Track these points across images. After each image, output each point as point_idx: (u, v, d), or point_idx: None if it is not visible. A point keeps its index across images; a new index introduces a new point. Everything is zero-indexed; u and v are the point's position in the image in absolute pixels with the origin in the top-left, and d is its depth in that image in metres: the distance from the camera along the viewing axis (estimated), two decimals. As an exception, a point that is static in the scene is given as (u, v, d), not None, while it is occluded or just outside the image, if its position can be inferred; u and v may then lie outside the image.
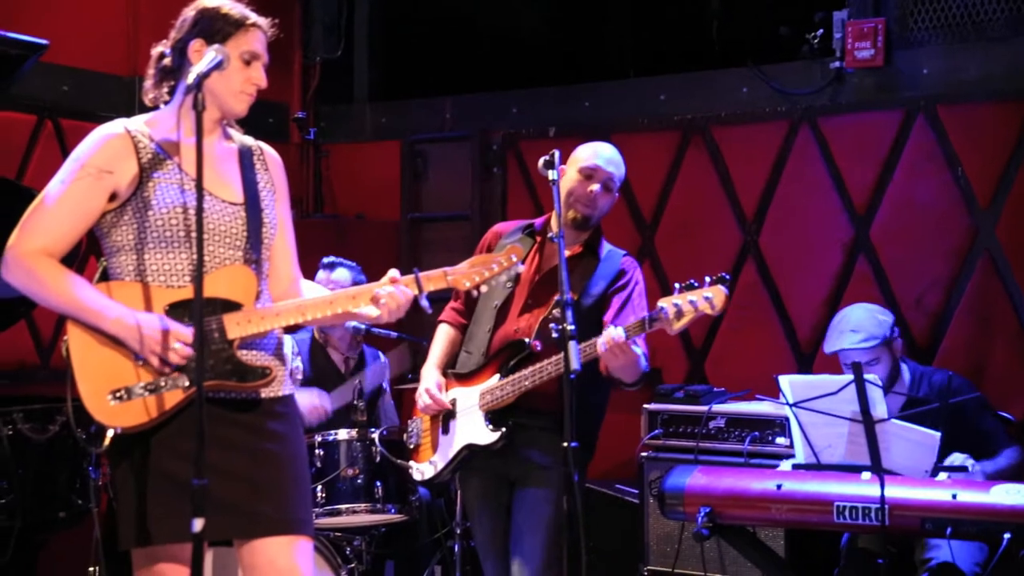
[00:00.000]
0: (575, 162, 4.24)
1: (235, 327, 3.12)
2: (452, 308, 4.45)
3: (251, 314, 3.15)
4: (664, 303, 3.79)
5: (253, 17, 3.25)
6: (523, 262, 3.42)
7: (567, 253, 4.17)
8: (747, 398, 5.31)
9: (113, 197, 3.14)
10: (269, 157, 3.38)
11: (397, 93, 7.38)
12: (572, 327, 3.53)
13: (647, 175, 6.25)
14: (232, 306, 3.14)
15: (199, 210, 2.94)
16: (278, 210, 3.34)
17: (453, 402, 4.22)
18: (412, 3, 7.43)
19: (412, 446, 4.39)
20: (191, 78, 3.00)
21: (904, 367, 4.68)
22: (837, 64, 5.79)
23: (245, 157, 3.31)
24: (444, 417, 4.25)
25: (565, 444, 3.46)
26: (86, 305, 3.07)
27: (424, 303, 3.25)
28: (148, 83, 3.30)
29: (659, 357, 5.77)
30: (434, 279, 3.28)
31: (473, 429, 4.15)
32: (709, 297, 3.76)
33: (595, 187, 4.19)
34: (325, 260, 5.54)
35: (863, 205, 5.76)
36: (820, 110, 5.88)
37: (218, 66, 3.07)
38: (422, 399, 4.25)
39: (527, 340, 4.11)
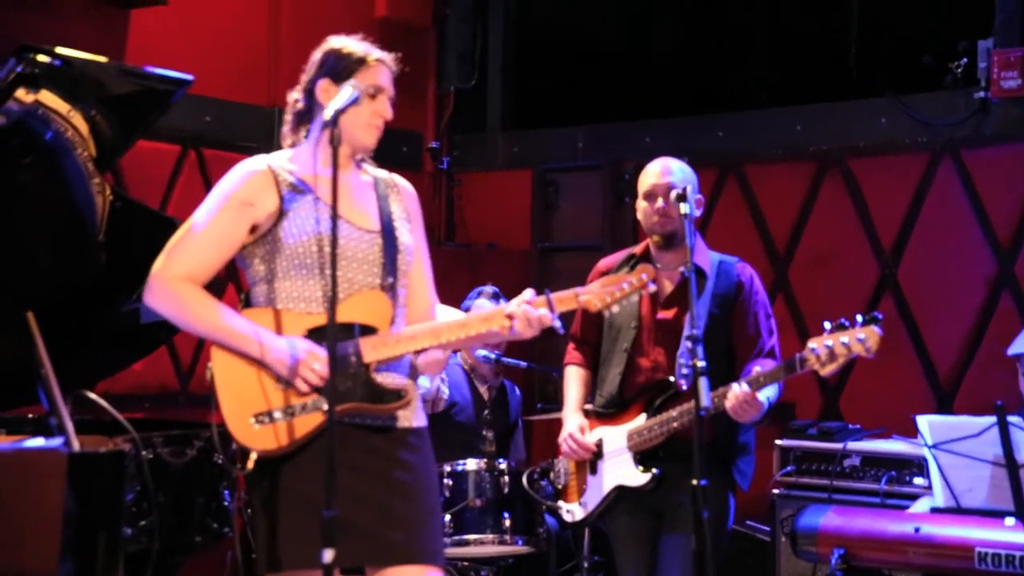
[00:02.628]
0: (640, 188, 4.19)
1: (371, 351, 3.17)
2: (575, 350, 4.41)
3: (386, 338, 3.19)
4: (815, 344, 3.69)
5: (376, 53, 3.31)
6: (654, 281, 3.36)
7: (670, 281, 4.13)
8: (883, 436, 5.18)
9: (254, 229, 3.23)
10: (403, 189, 3.44)
11: (529, 122, 7.42)
12: (703, 363, 3.48)
13: (781, 207, 6.17)
14: (368, 331, 3.18)
15: (333, 241, 2.99)
16: (414, 239, 3.38)
17: (599, 443, 4.19)
18: (545, 33, 7.47)
19: (560, 486, 4.37)
20: (328, 114, 3.07)
21: None
22: (982, 94, 5.64)
23: (380, 189, 3.38)
24: (592, 457, 4.22)
25: (694, 482, 3.41)
26: (233, 330, 3.15)
27: (556, 324, 3.25)
28: (286, 128, 3.39)
29: (792, 392, 5.67)
30: (566, 300, 3.27)
31: (623, 470, 4.12)
32: (862, 339, 3.65)
33: (659, 203, 4.08)
34: (488, 289, 5.56)
35: (1008, 239, 5.60)
36: (963, 141, 5.74)
37: (355, 102, 3.13)
38: (566, 444, 4.22)
39: (672, 379, 4.05)
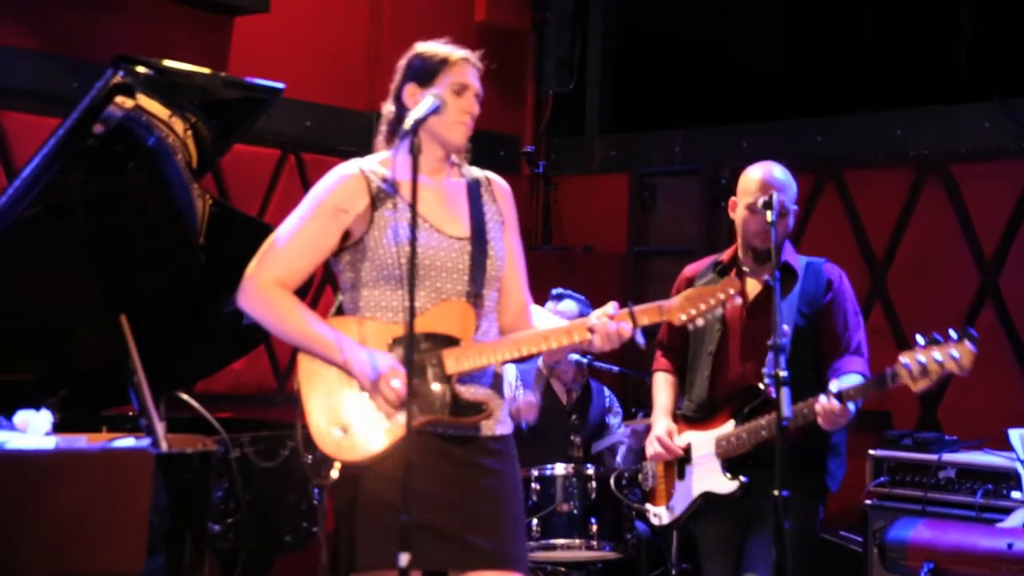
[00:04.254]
0: (742, 196, 4.12)
1: (453, 362, 3.19)
2: (662, 356, 4.42)
3: (469, 349, 3.21)
4: (907, 359, 3.64)
5: (459, 52, 3.33)
6: (739, 294, 3.34)
7: (758, 283, 4.09)
8: (980, 448, 5.08)
9: (347, 236, 3.28)
10: (497, 188, 3.45)
11: (627, 126, 7.41)
12: (785, 373, 3.46)
13: (880, 212, 6.08)
14: (451, 341, 3.20)
15: (412, 251, 3.00)
16: (507, 240, 3.40)
17: (687, 447, 4.19)
18: (645, 37, 7.45)
19: (648, 488, 4.38)
20: (408, 123, 3.09)
21: None
22: (1088, 98, 5.49)
23: (473, 190, 3.39)
24: (679, 462, 4.22)
25: (776, 492, 3.39)
26: (320, 337, 3.19)
27: (639, 338, 3.24)
28: (380, 139, 3.42)
29: (890, 400, 5.59)
30: (648, 313, 3.27)
31: (710, 477, 4.11)
32: (956, 356, 3.58)
33: (770, 216, 4.00)
34: (553, 292, 5.60)
35: (1112, 247, 5.45)
36: (1068, 147, 5.59)
37: (435, 111, 3.16)
38: (652, 446, 4.23)
39: (761, 386, 4.03)
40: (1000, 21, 6.08)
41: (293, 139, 6.13)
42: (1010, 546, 3.87)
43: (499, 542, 3.22)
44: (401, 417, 3.12)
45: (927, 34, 6.39)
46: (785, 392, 3.42)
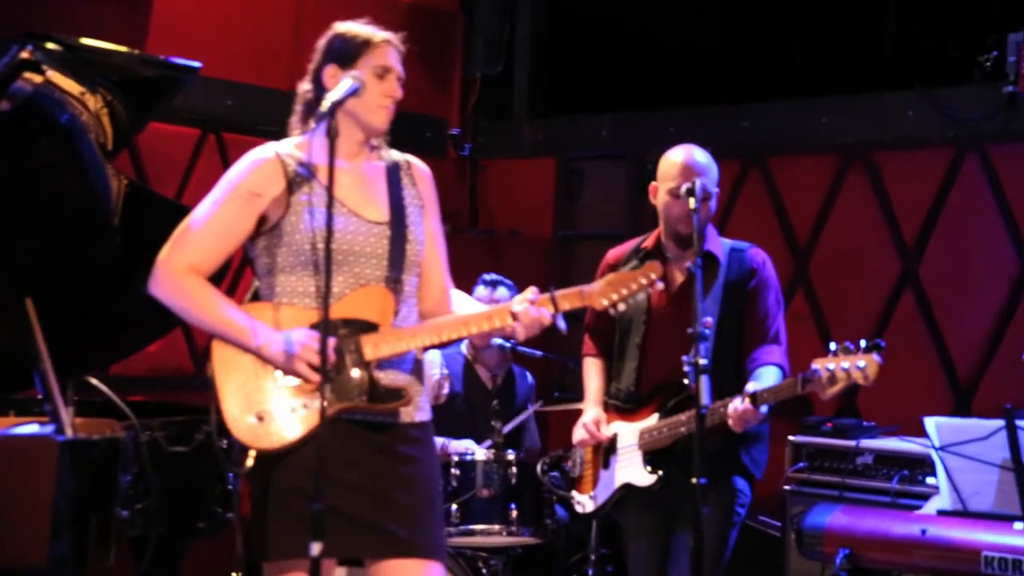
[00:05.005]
0: (663, 181, 4.08)
1: (372, 348, 3.14)
2: (591, 340, 4.40)
3: (387, 335, 3.17)
4: (819, 365, 3.66)
5: (381, 34, 3.27)
6: (663, 279, 3.32)
7: (681, 273, 4.09)
8: (897, 434, 5.13)
9: (263, 220, 3.21)
10: (417, 171, 3.40)
11: (556, 110, 7.38)
12: (704, 361, 3.45)
13: (804, 199, 6.12)
14: (369, 327, 3.16)
15: (328, 236, 2.97)
16: (427, 224, 3.35)
17: (614, 437, 4.19)
18: (574, 20, 7.42)
19: (575, 475, 4.37)
20: (325, 105, 3.04)
21: None
22: (1010, 88, 5.50)
23: (393, 174, 3.33)
24: (606, 451, 4.22)
25: (694, 480, 3.39)
26: (233, 323, 3.13)
27: (560, 323, 3.22)
28: (294, 119, 3.36)
29: (810, 387, 5.63)
30: (570, 298, 3.24)
31: (632, 469, 4.11)
32: (862, 367, 3.60)
33: (692, 203, 3.92)
34: (487, 277, 5.55)
35: (1032, 237, 5.52)
36: (990, 137, 5.63)
37: (355, 93, 3.11)
38: (579, 433, 4.22)
39: (685, 382, 4.03)
40: (925, 11, 6.13)
41: (213, 118, 6.03)
42: (924, 532, 3.89)
43: (416, 530, 3.19)
44: (317, 403, 3.05)
45: (853, 23, 6.43)
46: (704, 380, 3.42)
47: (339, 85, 3.12)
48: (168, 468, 3.76)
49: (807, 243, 6.13)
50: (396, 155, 3.39)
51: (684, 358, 3.53)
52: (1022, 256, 5.53)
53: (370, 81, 3.19)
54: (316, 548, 2.84)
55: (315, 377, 3.06)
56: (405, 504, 3.19)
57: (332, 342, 3.05)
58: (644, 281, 3.27)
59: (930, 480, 4.75)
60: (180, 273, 3.17)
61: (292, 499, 3.09)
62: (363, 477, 3.15)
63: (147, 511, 3.58)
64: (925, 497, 4.65)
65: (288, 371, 3.10)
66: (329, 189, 2.97)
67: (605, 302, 3.26)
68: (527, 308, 3.18)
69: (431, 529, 3.25)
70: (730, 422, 3.83)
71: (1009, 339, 5.49)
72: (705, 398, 3.42)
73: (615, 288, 3.26)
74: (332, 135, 2.99)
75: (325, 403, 2.95)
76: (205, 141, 6.05)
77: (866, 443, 4.98)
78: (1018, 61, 5.47)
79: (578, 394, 5.70)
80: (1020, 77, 5.46)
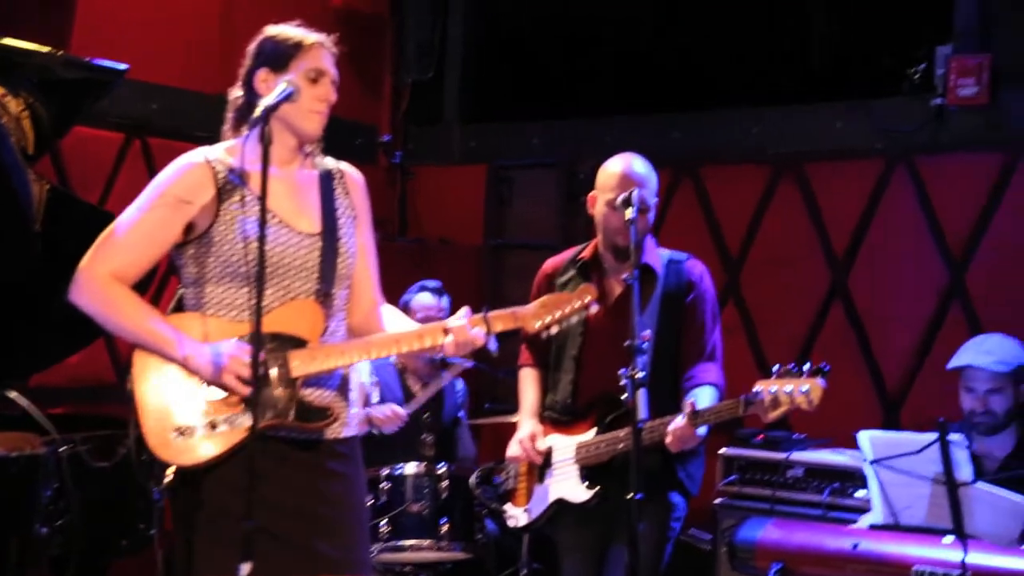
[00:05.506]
0: (602, 191, 4.05)
1: (299, 365, 3.07)
2: (527, 349, 4.35)
3: (316, 351, 3.09)
4: (761, 387, 3.64)
5: (314, 36, 3.19)
6: (597, 302, 3.29)
7: (619, 284, 4.06)
8: (828, 446, 5.15)
9: (191, 228, 3.12)
10: (350, 180, 3.32)
11: (487, 117, 7.32)
12: (642, 374, 3.42)
13: (736, 210, 6.13)
14: (298, 342, 3.08)
15: (260, 248, 2.90)
16: (359, 236, 3.29)
17: (549, 450, 4.14)
18: (506, 26, 7.38)
19: (508, 488, 4.31)
20: (258, 111, 2.96)
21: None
22: (939, 101, 5.56)
23: (326, 183, 3.26)
24: (541, 465, 4.17)
25: (629, 496, 3.37)
26: (157, 333, 3.04)
27: (491, 345, 3.18)
28: (226, 127, 3.27)
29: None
30: (503, 319, 3.20)
31: (568, 484, 4.07)
32: (805, 391, 3.59)
33: (629, 214, 3.91)
34: (430, 284, 5.44)
35: (959, 249, 5.57)
36: (919, 148, 5.68)
37: (288, 98, 3.03)
38: (514, 448, 4.17)
39: (623, 397, 3.99)
40: (855, 23, 6.17)
41: (138, 122, 5.89)
42: (855, 546, 3.89)
43: (344, 548, 3.13)
44: (240, 420, 3.01)
45: (784, 34, 6.46)
46: (641, 394, 3.39)
47: (274, 90, 3.04)
48: (90, 483, 3.66)
49: (739, 253, 6.14)
50: (330, 163, 3.32)
51: (621, 371, 3.51)
52: (950, 267, 5.57)
53: (303, 85, 3.12)
54: (245, 569, 2.77)
55: (243, 390, 2.99)
56: (334, 521, 3.13)
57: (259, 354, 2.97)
58: (577, 305, 3.25)
59: (860, 493, 4.78)
60: (102, 280, 3.08)
61: (218, 517, 3.02)
62: (290, 495, 3.08)
63: (68, 528, 3.47)
64: (856, 510, 4.67)
65: (215, 384, 3.02)
66: (262, 198, 2.90)
67: (538, 324, 3.23)
68: (461, 328, 3.13)
69: (360, 546, 3.20)
70: (668, 440, 3.80)
71: (937, 351, 5.53)
72: (643, 412, 3.39)
73: (548, 311, 3.23)
74: (266, 141, 2.92)
75: (251, 420, 2.88)
76: (130, 145, 5.91)
77: (797, 456, 4.99)
78: (946, 74, 5.53)
79: (510, 405, 5.68)
80: (948, 89, 5.52)
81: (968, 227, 5.54)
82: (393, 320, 3.36)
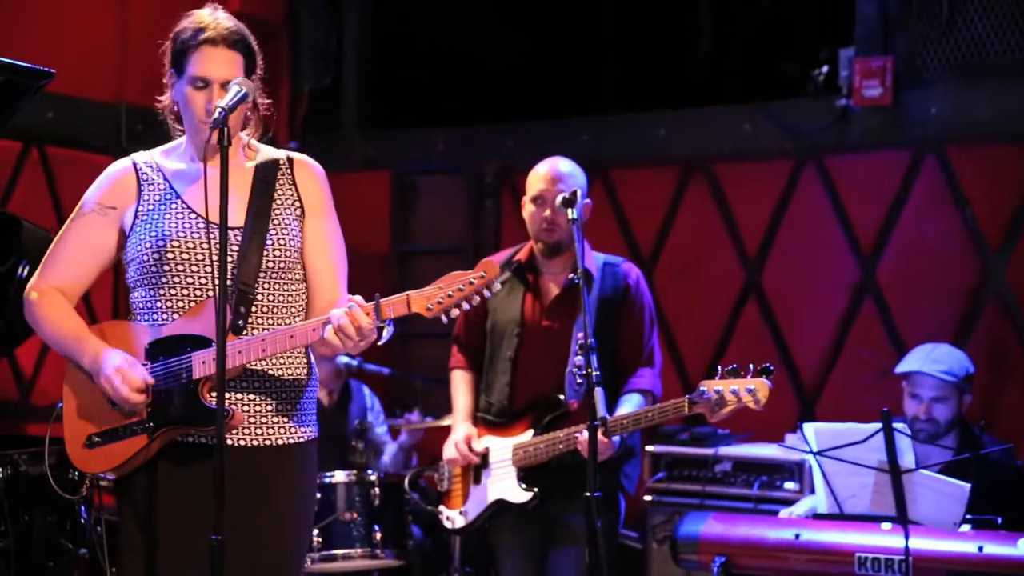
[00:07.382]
0: (528, 192, 4.08)
1: (201, 366, 2.92)
2: (459, 352, 4.29)
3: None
4: (706, 387, 3.61)
5: (205, 33, 3.03)
6: (498, 279, 2.94)
7: (555, 285, 4.05)
8: (750, 441, 5.20)
9: (125, 234, 3.06)
10: (301, 170, 3.15)
11: (387, 123, 7.23)
12: (597, 373, 3.40)
13: (646, 212, 6.16)
14: (205, 343, 2.92)
15: (223, 251, 2.81)
16: (313, 228, 3.11)
17: (486, 451, 4.09)
18: (403, 31, 7.29)
19: (443, 490, 4.24)
20: (216, 113, 2.83)
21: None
22: (844, 102, 5.68)
23: (262, 174, 3.10)
24: (476, 466, 4.11)
25: (588, 494, 3.34)
26: (75, 343, 3.01)
27: (385, 334, 2.90)
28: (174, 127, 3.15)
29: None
30: (395, 304, 2.87)
31: (505, 485, 4.02)
32: (752, 390, 3.58)
33: (547, 212, 3.97)
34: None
35: (869, 246, 5.68)
36: (826, 148, 5.79)
37: (243, 99, 2.96)
38: (449, 451, 4.11)
39: (562, 398, 3.96)
40: (763, 26, 6.27)
41: (35, 132, 5.68)
42: (798, 536, 3.95)
43: (275, 557, 3.02)
44: (138, 427, 2.95)
45: (690, 37, 6.52)
46: (599, 392, 3.36)
47: (228, 92, 2.94)
48: (23, 503, 3.49)
49: (650, 255, 6.17)
50: (276, 153, 3.16)
51: (573, 369, 3.47)
52: (861, 263, 5.69)
53: (190, 92, 3.02)
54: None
55: (125, 401, 2.90)
56: (260, 533, 2.99)
57: (142, 375, 2.92)
58: (475, 281, 2.86)
59: (788, 485, 4.84)
60: (35, 295, 3.07)
61: (132, 529, 2.98)
62: (197, 505, 2.89)
63: (7, 552, 3.30)
64: (784, 502, 4.71)
65: (106, 394, 2.95)
66: (223, 194, 2.80)
67: (433, 307, 2.87)
68: (344, 314, 2.85)
69: (280, 557, 3.05)
70: (579, 448, 3.78)
71: (851, 345, 5.64)
72: (601, 410, 3.36)
73: (444, 290, 2.87)
74: (225, 143, 2.82)
75: (154, 425, 2.88)
76: (28, 154, 5.70)
77: (724, 451, 5.02)
78: (851, 75, 5.65)
79: (429, 409, 5.63)
80: (853, 91, 5.64)
81: (877, 223, 5.66)
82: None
